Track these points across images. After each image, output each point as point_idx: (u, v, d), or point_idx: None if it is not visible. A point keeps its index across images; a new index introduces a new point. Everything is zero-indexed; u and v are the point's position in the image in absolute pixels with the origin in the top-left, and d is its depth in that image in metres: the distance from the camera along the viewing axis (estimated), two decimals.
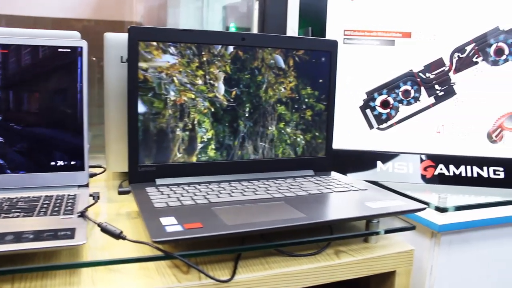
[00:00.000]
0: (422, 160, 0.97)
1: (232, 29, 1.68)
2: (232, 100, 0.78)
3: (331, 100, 0.87)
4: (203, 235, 0.56)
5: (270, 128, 0.82)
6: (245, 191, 0.74)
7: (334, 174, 0.88)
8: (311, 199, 0.71)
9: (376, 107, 1.00)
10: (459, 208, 0.87)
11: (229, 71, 0.78)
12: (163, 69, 0.75)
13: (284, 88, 0.82)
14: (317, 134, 0.87)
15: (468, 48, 0.99)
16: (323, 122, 0.87)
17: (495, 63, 0.99)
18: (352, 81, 1.01)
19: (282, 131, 0.83)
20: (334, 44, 0.87)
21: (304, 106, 0.84)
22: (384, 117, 1.00)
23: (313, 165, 0.88)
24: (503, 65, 0.98)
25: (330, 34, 1.01)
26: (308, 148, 0.86)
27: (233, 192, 0.73)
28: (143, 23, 2.59)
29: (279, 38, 0.83)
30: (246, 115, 0.80)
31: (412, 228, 0.71)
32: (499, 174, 0.96)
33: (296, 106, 0.84)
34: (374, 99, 1.00)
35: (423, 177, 0.97)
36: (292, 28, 1.16)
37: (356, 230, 0.71)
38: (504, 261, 0.92)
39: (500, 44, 0.98)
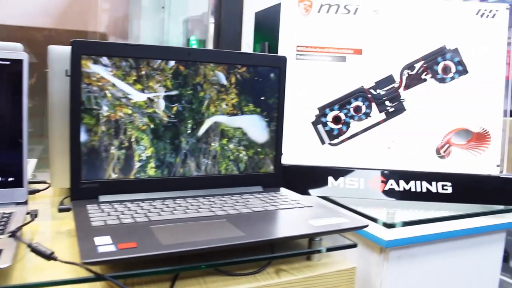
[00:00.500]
0: (373, 176, 0.98)
1: (193, 41, 1.68)
2: (173, 116, 0.77)
3: (280, 116, 0.87)
4: (136, 256, 0.54)
5: (213, 144, 0.81)
6: (188, 209, 0.73)
7: (283, 190, 0.88)
8: (254, 216, 0.71)
9: (328, 122, 1.01)
10: (406, 224, 0.88)
11: (170, 86, 0.77)
12: (93, 82, 0.73)
13: (226, 105, 0.81)
14: (264, 150, 0.87)
15: (417, 66, 1.01)
16: (272, 138, 0.87)
17: (442, 80, 1.01)
18: (304, 97, 1.01)
19: (225, 147, 0.82)
20: (283, 60, 0.87)
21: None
22: (335, 132, 1.01)
23: (262, 181, 0.87)
24: (449, 82, 1.01)
25: (283, 49, 1.02)
26: (256, 164, 0.86)
27: (175, 210, 0.72)
28: (108, 34, 2.56)
29: (226, 54, 0.82)
30: (188, 131, 0.79)
31: (354, 246, 0.71)
32: (447, 189, 0.98)
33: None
34: (325, 115, 1.01)
35: (374, 192, 0.97)
36: (247, 43, 1.16)
37: (299, 248, 0.70)
38: (451, 274, 0.93)
39: (447, 62, 1.01)
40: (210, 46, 1.32)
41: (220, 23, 1.16)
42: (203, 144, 0.81)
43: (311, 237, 0.68)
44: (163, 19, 1.86)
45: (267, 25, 1.20)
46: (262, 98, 0.85)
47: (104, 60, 0.74)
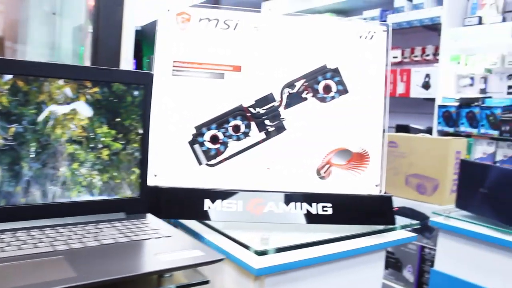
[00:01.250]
0: (251, 198, 0.94)
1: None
2: (11, 138, 0.68)
3: (145, 136, 0.81)
4: None
5: (61, 169, 0.73)
6: (26, 243, 0.64)
7: (148, 217, 0.81)
8: (99, 251, 0.64)
9: (205, 142, 0.96)
10: (280, 250, 0.84)
11: (6, 103, 0.68)
12: None
13: (75, 126, 0.73)
14: (125, 173, 0.80)
15: (298, 84, 0.99)
16: (133, 161, 0.80)
17: (323, 99, 0.99)
18: (181, 115, 0.95)
19: (76, 172, 0.74)
20: (148, 77, 0.81)
21: (101, 145, 0.76)
22: (213, 153, 0.96)
23: (125, 207, 0.80)
24: (330, 102, 0.99)
25: (159, 65, 0.95)
26: (115, 189, 0.79)
27: (9, 246, 0.63)
28: (4, 37, 2.37)
29: (80, 69, 0.75)
30: (32, 155, 0.70)
31: (206, 282, 0.66)
32: (327, 210, 0.96)
33: (92, 145, 0.76)
34: (202, 134, 0.96)
35: (252, 215, 0.93)
36: (126, 58, 1.08)
37: (150, 285, 0.64)
38: None
39: (328, 81, 0.99)
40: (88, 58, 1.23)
41: (98, 34, 1.08)
42: (50, 169, 0.72)
43: (159, 274, 0.62)
44: (54, 25, 1.74)
45: (152, 39, 1.13)
46: (121, 118, 0.78)
47: None
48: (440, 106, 2.89)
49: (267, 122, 0.97)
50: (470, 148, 2.89)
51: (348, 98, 1.00)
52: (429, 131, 3.04)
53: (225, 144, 0.96)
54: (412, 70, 3.09)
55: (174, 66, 0.96)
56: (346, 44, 1.01)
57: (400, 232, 1.05)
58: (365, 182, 1.00)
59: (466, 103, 2.80)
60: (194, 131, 0.96)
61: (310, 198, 0.96)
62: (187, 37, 0.96)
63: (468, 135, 2.87)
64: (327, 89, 0.99)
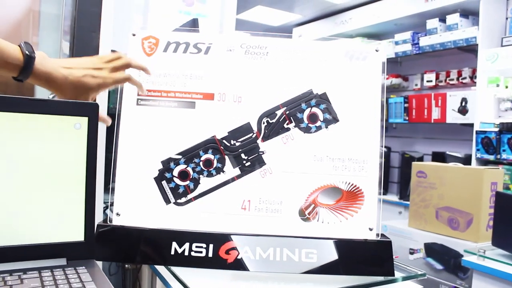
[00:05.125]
0: (224, 241, 0.83)
1: None
2: None
3: (90, 175, 0.72)
4: None
5: None
6: None
7: (89, 264, 0.71)
8: None
9: (173, 178, 0.86)
10: None
11: None
12: None
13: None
14: (63, 215, 0.70)
15: (279, 113, 0.87)
16: (78, 200, 0.71)
17: (307, 130, 0.87)
18: (146, 148, 0.86)
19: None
20: (93, 108, 0.72)
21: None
22: (182, 190, 0.86)
23: (66, 253, 0.70)
24: (316, 132, 0.87)
25: (125, 94, 0.87)
26: (51, 232, 0.69)
27: None
28: None
29: (8, 100, 0.67)
30: None
31: None
32: (312, 258, 0.83)
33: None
34: (170, 170, 0.86)
35: (223, 262, 0.81)
36: None
37: None
38: None
39: (314, 109, 0.88)
40: None
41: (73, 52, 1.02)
42: None
43: None
44: None
45: None
46: (56, 158, 0.69)
47: None
48: (478, 132, 2.68)
49: (243, 156, 0.86)
50: None
51: (338, 127, 0.88)
52: (467, 159, 2.82)
53: (195, 181, 0.86)
54: (447, 94, 2.90)
55: (139, 95, 0.87)
56: (335, 66, 0.89)
57: (407, 284, 0.90)
58: (358, 225, 0.86)
59: (507, 128, 2.58)
60: (161, 166, 0.86)
61: (291, 243, 0.83)
62: (154, 63, 0.88)
63: (510, 163, 2.63)
64: (313, 118, 0.88)
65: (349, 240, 0.85)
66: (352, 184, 0.87)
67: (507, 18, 2.72)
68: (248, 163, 0.86)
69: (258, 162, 0.86)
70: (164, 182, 0.86)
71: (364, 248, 0.85)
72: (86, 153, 0.71)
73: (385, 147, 3.31)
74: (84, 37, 1.01)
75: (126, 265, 1.37)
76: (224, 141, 0.87)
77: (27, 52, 0.70)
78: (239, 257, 0.82)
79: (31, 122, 0.68)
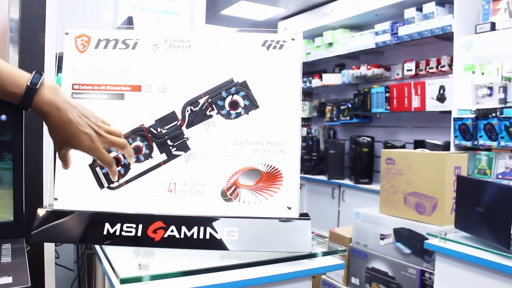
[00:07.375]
0: (151, 222, 0.90)
1: None
2: None
3: (17, 160, 0.79)
4: None
5: None
6: None
7: (18, 241, 0.79)
8: None
9: None
10: (155, 277, 0.79)
11: None
12: None
13: None
14: None
15: (201, 101, 0.94)
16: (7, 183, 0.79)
17: (228, 116, 0.94)
18: None
19: None
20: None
21: None
22: None
23: None
24: (237, 118, 0.94)
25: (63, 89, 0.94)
26: None
27: None
28: None
29: None
30: None
31: None
32: (233, 235, 0.90)
33: None
34: None
35: (151, 240, 0.89)
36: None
37: None
38: None
39: (234, 97, 0.94)
40: None
41: (21, 62, 1.09)
42: None
43: None
44: None
45: None
46: None
47: None
48: (456, 119, 2.71)
49: (169, 142, 0.94)
50: (490, 162, 2.69)
51: (258, 113, 0.95)
52: (447, 146, 2.86)
53: (125, 167, 0.93)
54: (426, 82, 2.94)
55: (73, 89, 0.94)
56: (254, 56, 0.96)
57: (328, 259, 0.96)
58: (277, 204, 0.93)
59: (482, 114, 2.62)
60: None
61: (214, 222, 0.90)
62: (86, 60, 0.95)
63: (488, 149, 2.67)
64: (234, 104, 0.94)
65: (268, 218, 0.91)
66: (271, 166, 0.93)
67: (483, 6, 2.75)
68: (174, 149, 0.93)
69: (183, 147, 0.93)
70: (97, 169, 0.93)
71: (282, 225, 0.91)
72: (13, 141, 0.79)
73: (368, 137, 3.35)
74: (30, 37, 1.08)
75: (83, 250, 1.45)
76: (151, 129, 0.94)
77: (28, 84, 0.71)
78: (165, 235, 0.89)
79: None
